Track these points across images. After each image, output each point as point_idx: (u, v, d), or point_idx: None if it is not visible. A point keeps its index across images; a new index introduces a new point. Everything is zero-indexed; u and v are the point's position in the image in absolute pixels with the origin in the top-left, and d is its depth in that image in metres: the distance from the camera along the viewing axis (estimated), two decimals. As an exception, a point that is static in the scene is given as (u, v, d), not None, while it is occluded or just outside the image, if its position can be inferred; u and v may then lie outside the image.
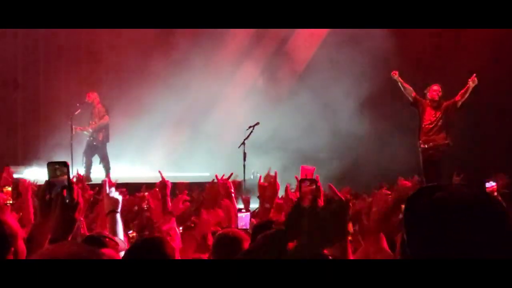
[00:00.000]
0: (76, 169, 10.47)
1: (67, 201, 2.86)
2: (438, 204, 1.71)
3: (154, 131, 16.11)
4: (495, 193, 6.67)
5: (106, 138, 14.69)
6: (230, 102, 16.51)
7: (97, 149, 14.63)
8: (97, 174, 14.54)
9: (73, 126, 14.33)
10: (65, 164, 2.92)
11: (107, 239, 3.64)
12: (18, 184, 6.54)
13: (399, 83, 11.95)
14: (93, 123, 14.52)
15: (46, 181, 2.91)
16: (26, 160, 15.57)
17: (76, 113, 14.46)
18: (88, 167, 14.54)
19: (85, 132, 14.58)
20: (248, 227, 4.93)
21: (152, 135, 16.13)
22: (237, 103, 16.42)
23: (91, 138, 14.55)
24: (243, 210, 5.07)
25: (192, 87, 16.25)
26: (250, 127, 12.56)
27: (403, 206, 1.79)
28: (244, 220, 4.99)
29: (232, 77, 16.81)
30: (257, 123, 12.64)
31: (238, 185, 6.32)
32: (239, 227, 4.91)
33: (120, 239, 3.88)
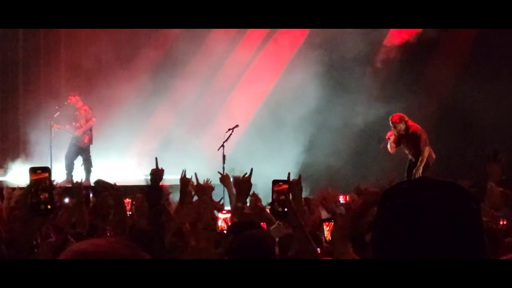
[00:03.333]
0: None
1: (48, 206, 2.92)
2: (417, 203, 1.68)
3: (134, 133, 16.11)
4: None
5: (91, 140, 14.63)
6: (210, 104, 16.54)
7: (82, 151, 14.56)
8: (78, 178, 14.48)
9: (51, 123, 14.24)
10: (47, 169, 2.99)
11: None
12: None
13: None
14: (79, 125, 14.42)
15: (28, 186, 2.97)
16: (5, 163, 15.50)
17: (56, 115, 14.40)
18: (70, 170, 14.45)
19: (75, 134, 14.46)
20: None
21: (132, 137, 16.12)
22: (217, 106, 16.46)
23: (75, 141, 14.47)
24: (224, 212, 5.13)
25: (172, 89, 16.27)
26: (229, 129, 12.61)
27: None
28: (224, 220, 5.07)
29: (213, 79, 16.83)
30: (236, 126, 12.70)
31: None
32: (220, 228, 4.99)
33: None
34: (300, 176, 4.84)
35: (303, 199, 5.96)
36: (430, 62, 15.21)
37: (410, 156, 12.16)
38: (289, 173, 4.69)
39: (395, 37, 15.57)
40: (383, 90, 15.20)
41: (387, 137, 12.10)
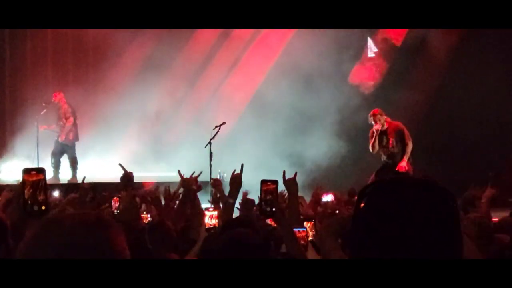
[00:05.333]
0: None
1: (43, 207, 2.92)
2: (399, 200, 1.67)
3: (120, 130, 16.09)
4: None
5: (76, 137, 14.60)
6: (196, 101, 16.55)
7: (67, 148, 14.54)
8: (65, 175, 14.49)
9: (38, 125, 14.24)
10: (42, 170, 2.99)
11: None
12: None
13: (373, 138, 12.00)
14: (63, 123, 14.40)
15: (22, 187, 2.97)
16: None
17: (42, 113, 14.40)
18: (57, 168, 14.44)
19: (56, 133, 14.45)
20: (216, 224, 5.01)
21: (118, 134, 16.10)
22: (204, 103, 16.47)
23: (61, 138, 14.44)
24: (211, 209, 5.13)
25: (158, 87, 16.26)
26: (216, 126, 12.61)
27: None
28: (211, 218, 5.06)
29: (199, 77, 16.84)
30: (224, 123, 12.69)
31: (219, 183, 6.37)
32: (207, 225, 4.99)
33: None
34: (296, 174, 4.82)
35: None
36: (418, 61, 15.30)
37: (383, 158, 12.06)
38: (284, 171, 4.70)
39: (383, 36, 15.64)
40: (373, 88, 15.30)
41: (371, 134, 11.98)
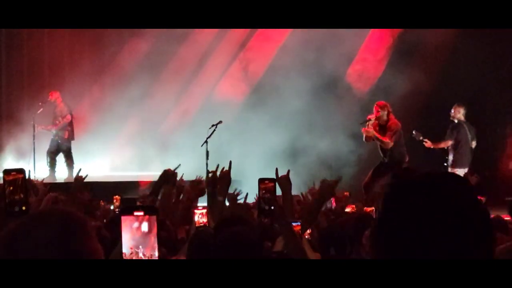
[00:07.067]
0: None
1: (23, 207, 2.92)
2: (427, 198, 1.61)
3: (117, 130, 16.08)
4: None
5: (71, 136, 14.62)
6: (193, 100, 16.53)
7: (63, 147, 14.55)
8: (61, 173, 14.48)
9: (35, 125, 14.25)
10: (21, 171, 2.99)
11: None
12: None
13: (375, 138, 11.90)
14: (58, 122, 14.44)
15: (2, 188, 2.96)
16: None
17: (39, 112, 14.40)
18: (53, 166, 14.46)
19: (52, 131, 14.46)
20: (206, 222, 5.03)
21: (115, 134, 16.09)
22: (200, 102, 16.45)
23: (56, 137, 14.46)
24: (200, 207, 5.14)
25: (155, 86, 16.25)
26: (212, 125, 12.60)
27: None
28: (202, 216, 5.08)
29: (195, 76, 16.82)
30: (220, 122, 12.68)
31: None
32: (197, 223, 5.01)
33: None
34: (288, 171, 4.82)
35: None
36: (413, 61, 15.27)
37: (380, 153, 12.04)
38: (276, 169, 4.69)
39: (379, 35, 15.63)
40: (369, 85, 15.29)
41: (367, 118, 11.92)
